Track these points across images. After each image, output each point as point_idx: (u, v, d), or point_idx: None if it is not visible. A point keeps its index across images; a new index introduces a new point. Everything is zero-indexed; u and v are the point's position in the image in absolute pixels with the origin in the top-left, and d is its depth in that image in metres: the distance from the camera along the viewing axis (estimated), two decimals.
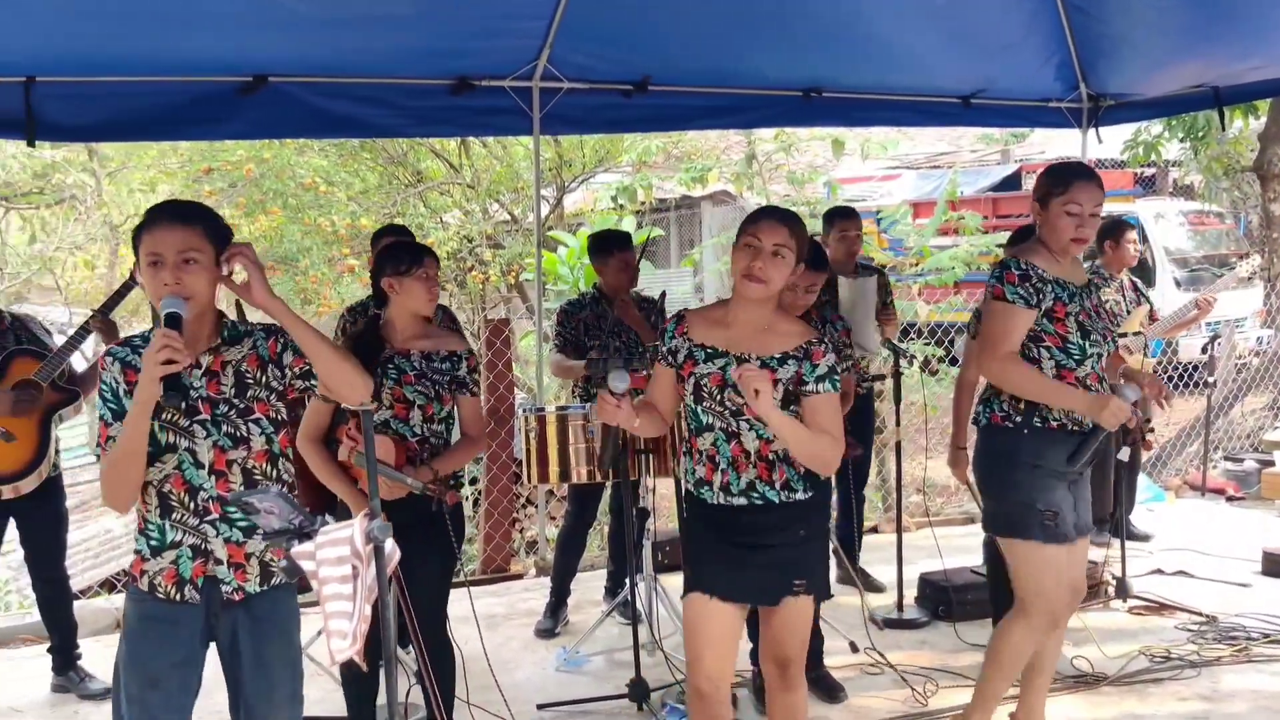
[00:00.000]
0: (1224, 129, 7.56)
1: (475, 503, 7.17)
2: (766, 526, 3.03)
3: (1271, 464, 7.90)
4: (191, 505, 2.55)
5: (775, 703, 3.21)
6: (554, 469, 4.47)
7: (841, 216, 5.48)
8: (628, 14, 5.32)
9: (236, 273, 2.56)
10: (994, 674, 3.68)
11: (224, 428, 2.56)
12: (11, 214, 12.78)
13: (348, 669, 3.66)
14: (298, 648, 2.76)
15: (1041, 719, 3.77)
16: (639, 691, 4.27)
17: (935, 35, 5.75)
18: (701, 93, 5.94)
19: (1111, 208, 8.80)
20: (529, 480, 4.60)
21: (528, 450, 4.51)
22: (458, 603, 3.91)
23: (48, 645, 4.75)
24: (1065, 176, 3.41)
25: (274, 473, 2.64)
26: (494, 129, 7.09)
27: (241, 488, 2.56)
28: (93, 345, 4.79)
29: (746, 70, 5.88)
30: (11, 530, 4.55)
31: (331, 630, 2.06)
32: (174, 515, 2.55)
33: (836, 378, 3.01)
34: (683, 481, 3.18)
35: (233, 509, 2.55)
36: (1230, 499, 7.61)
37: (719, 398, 3.00)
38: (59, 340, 4.59)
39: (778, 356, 2.99)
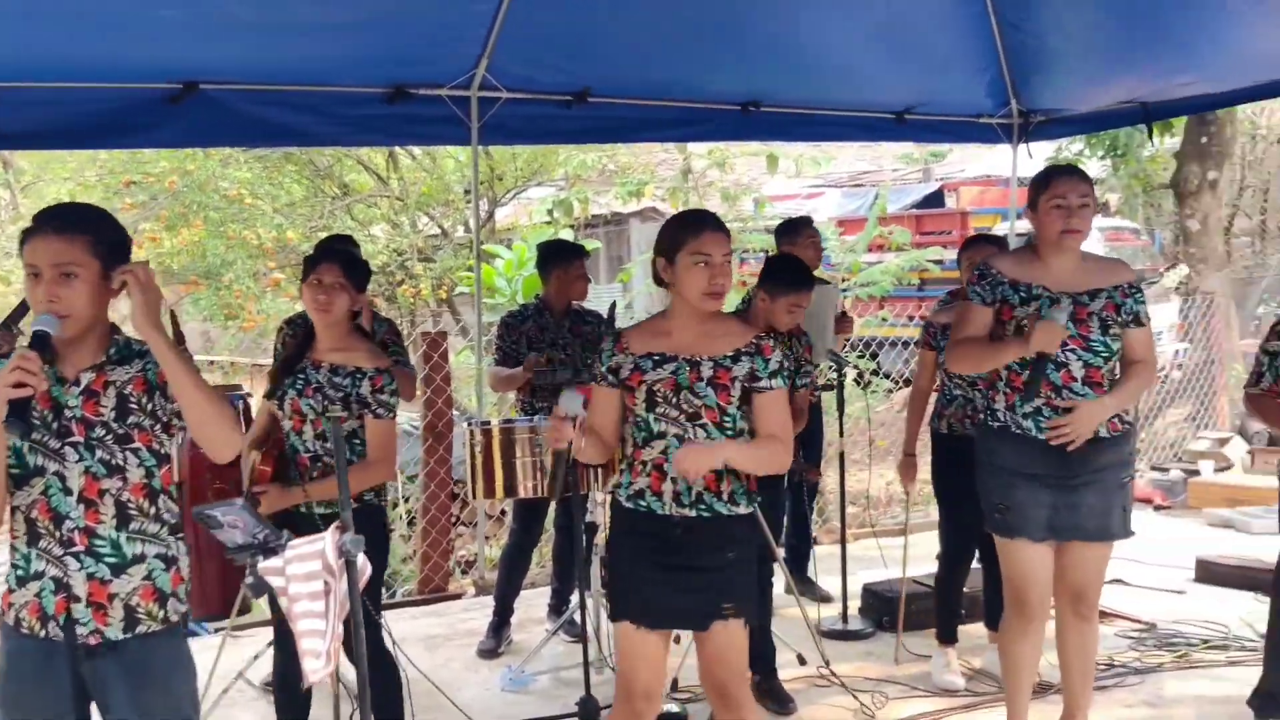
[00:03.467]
0: (1152, 143, 7.75)
1: (410, 522, 7.03)
2: (703, 543, 2.99)
3: (1196, 473, 8.09)
4: (56, 534, 2.35)
5: None
6: (499, 483, 4.39)
7: (807, 225, 5.54)
8: (568, 25, 5.28)
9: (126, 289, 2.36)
10: (1002, 671, 3.84)
11: (98, 453, 2.36)
12: None
13: (280, 690, 3.55)
14: (182, 698, 2.49)
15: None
16: (589, 709, 4.18)
17: (873, 51, 5.81)
18: (642, 105, 5.92)
19: (1028, 224, 8.97)
20: (474, 496, 4.51)
21: (472, 465, 4.42)
22: (394, 624, 3.82)
23: None
24: (1046, 175, 3.51)
25: (152, 510, 2.43)
26: (431, 138, 7.00)
27: (113, 522, 2.37)
28: None
29: (687, 83, 5.87)
30: None
31: (305, 650, 1.96)
32: (40, 544, 2.36)
33: (785, 374, 3.03)
34: (619, 498, 3.09)
35: (101, 542, 2.35)
36: (1158, 508, 7.77)
37: (674, 400, 2.96)
38: None
39: (730, 355, 3.00)
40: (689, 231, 2.96)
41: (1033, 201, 3.48)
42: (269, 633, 4.99)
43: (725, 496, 3.00)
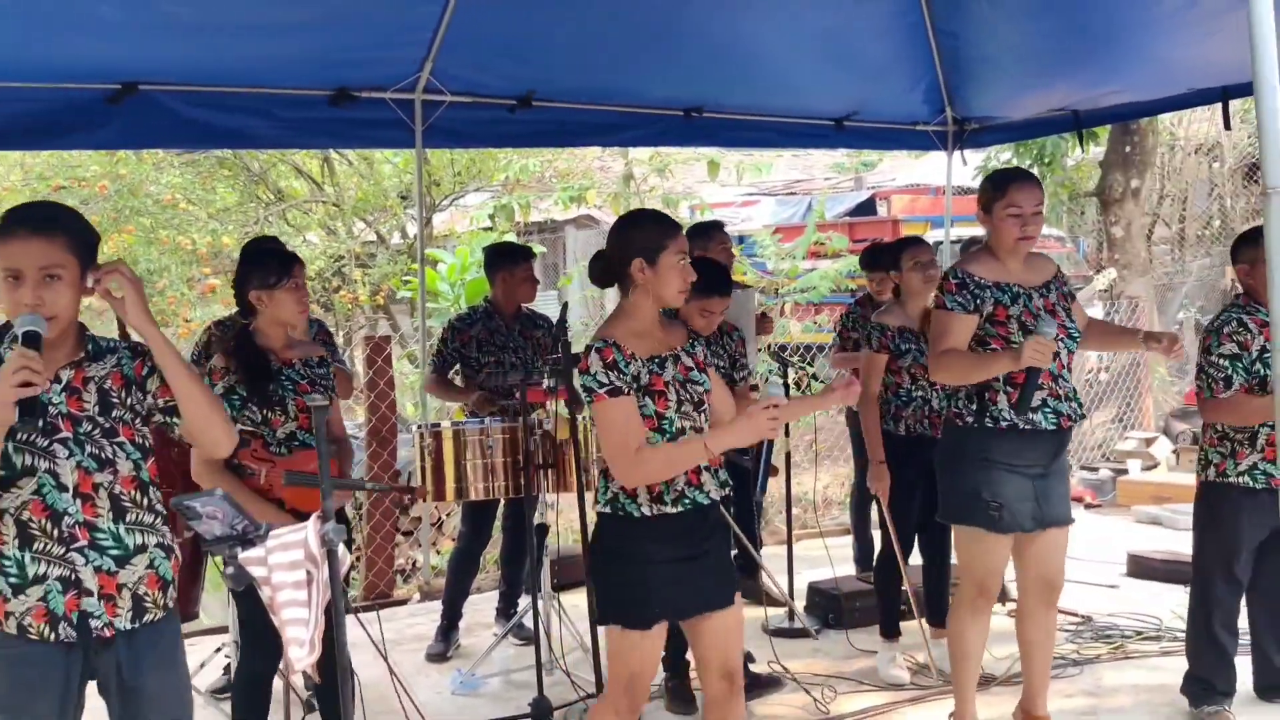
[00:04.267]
0: (1083, 151, 7.95)
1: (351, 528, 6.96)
2: (718, 522, 3.09)
3: (1125, 472, 8.32)
4: (55, 533, 2.33)
5: (725, 715, 3.14)
6: (450, 485, 4.39)
7: (718, 229, 5.54)
8: (514, 29, 5.29)
9: (114, 288, 2.34)
10: (952, 660, 3.92)
11: (88, 448, 2.36)
12: None
13: (244, 692, 3.52)
14: (186, 677, 2.57)
15: (1034, 704, 3.90)
16: (541, 709, 4.20)
17: (813, 59, 5.90)
18: (586, 109, 5.94)
19: (960, 231, 9.19)
20: (424, 499, 4.49)
21: (423, 468, 4.41)
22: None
23: None
24: (1002, 181, 3.60)
25: (145, 501, 2.44)
26: (375, 141, 6.96)
27: (110, 515, 2.36)
28: None
29: (630, 88, 5.92)
30: None
31: (290, 639, 1.95)
32: (35, 545, 2.32)
33: None
34: (652, 510, 2.94)
35: (102, 535, 2.35)
36: (1089, 506, 7.95)
37: (689, 395, 3.02)
38: None
39: (690, 343, 3.14)
40: (670, 232, 3.01)
41: (987, 206, 3.59)
42: (214, 640, 4.95)
43: (725, 474, 3.11)
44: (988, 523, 3.61)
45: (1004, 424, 3.57)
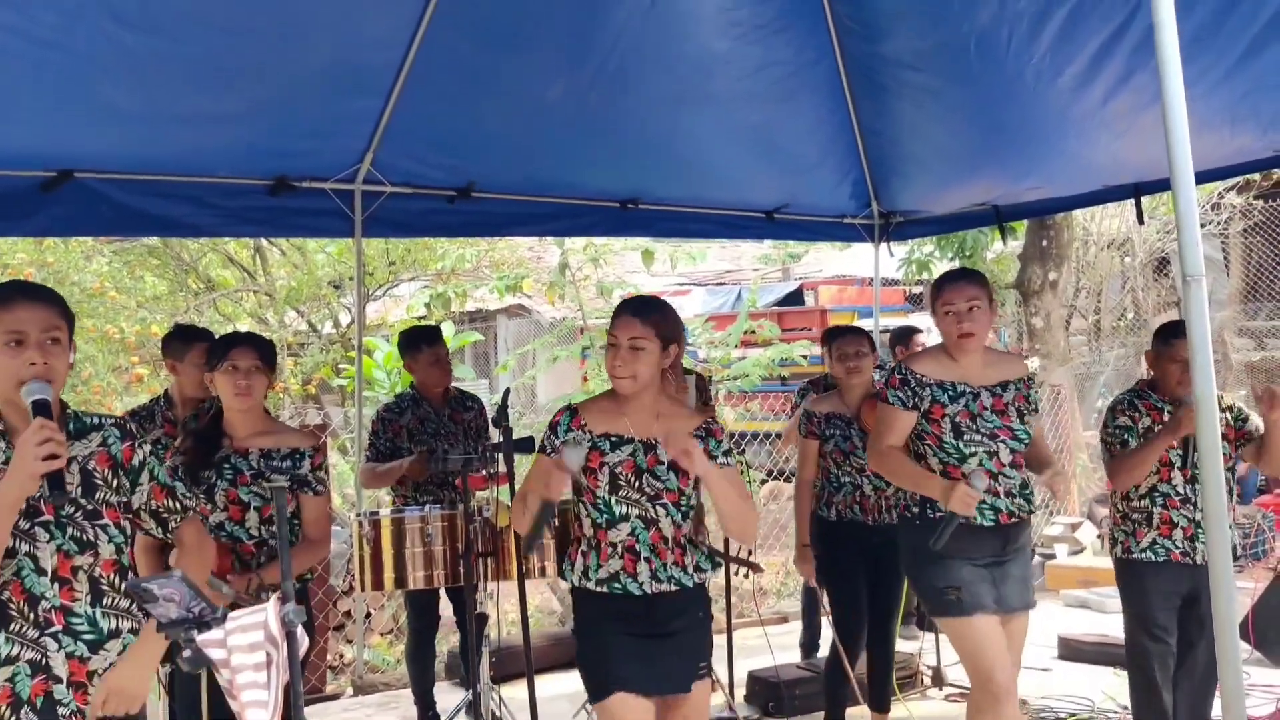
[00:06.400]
0: (1003, 244, 8.22)
1: None
2: (677, 611, 3.09)
3: (1052, 557, 8.46)
4: (31, 616, 2.30)
5: None
6: (389, 575, 4.33)
7: None
8: (454, 123, 5.38)
9: None
10: None
11: (69, 530, 2.33)
12: None
13: None
14: None
15: None
16: None
17: (746, 154, 6.07)
18: (524, 200, 6.03)
19: (886, 322, 9.41)
20: (361, 589, 4.43)
21: (361, 557, 4.35)
22: None
23: None
24: (939, 283, 3.76)
25: (122, 585, 2.41)
26: (314, 230, 6.96)
27: (88, 598, 2.33)
28: None
29: (569, 180, 6.02)
30: None
31: None
32: (12, 626, 2.30)
33: (735, 452, 3.20)
34: (579, 581, 3.10)
35: (78, 619, 2.32)
36: None
37: (637, 484, 3.03)
38: None
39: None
40: (614, 315, 3.11)
41: (933, 308, 3.73)
42: None
43: (690, 569, 3.11)
44: (952, 609, 3.62)
45: (939, 514, 3.61)
